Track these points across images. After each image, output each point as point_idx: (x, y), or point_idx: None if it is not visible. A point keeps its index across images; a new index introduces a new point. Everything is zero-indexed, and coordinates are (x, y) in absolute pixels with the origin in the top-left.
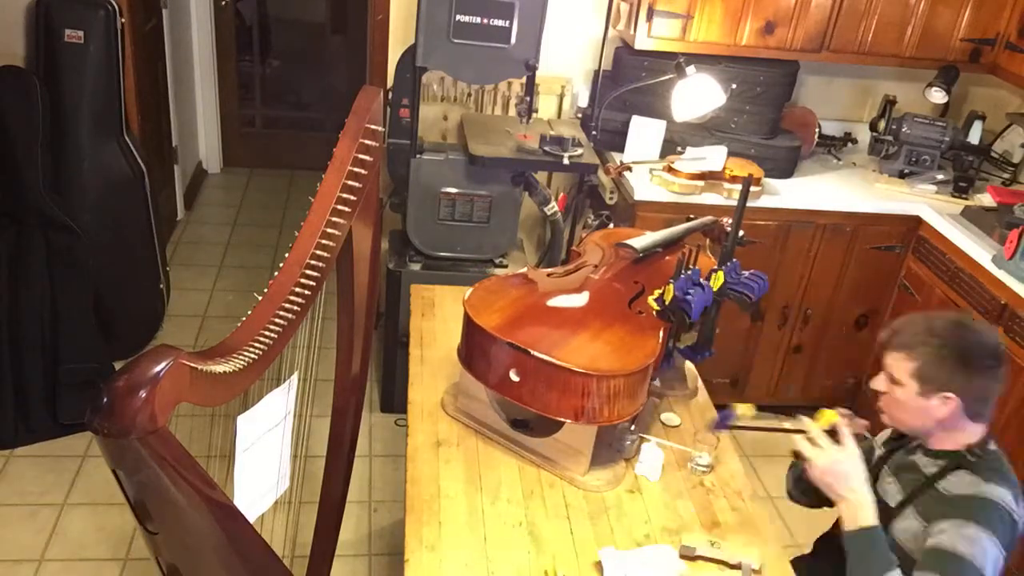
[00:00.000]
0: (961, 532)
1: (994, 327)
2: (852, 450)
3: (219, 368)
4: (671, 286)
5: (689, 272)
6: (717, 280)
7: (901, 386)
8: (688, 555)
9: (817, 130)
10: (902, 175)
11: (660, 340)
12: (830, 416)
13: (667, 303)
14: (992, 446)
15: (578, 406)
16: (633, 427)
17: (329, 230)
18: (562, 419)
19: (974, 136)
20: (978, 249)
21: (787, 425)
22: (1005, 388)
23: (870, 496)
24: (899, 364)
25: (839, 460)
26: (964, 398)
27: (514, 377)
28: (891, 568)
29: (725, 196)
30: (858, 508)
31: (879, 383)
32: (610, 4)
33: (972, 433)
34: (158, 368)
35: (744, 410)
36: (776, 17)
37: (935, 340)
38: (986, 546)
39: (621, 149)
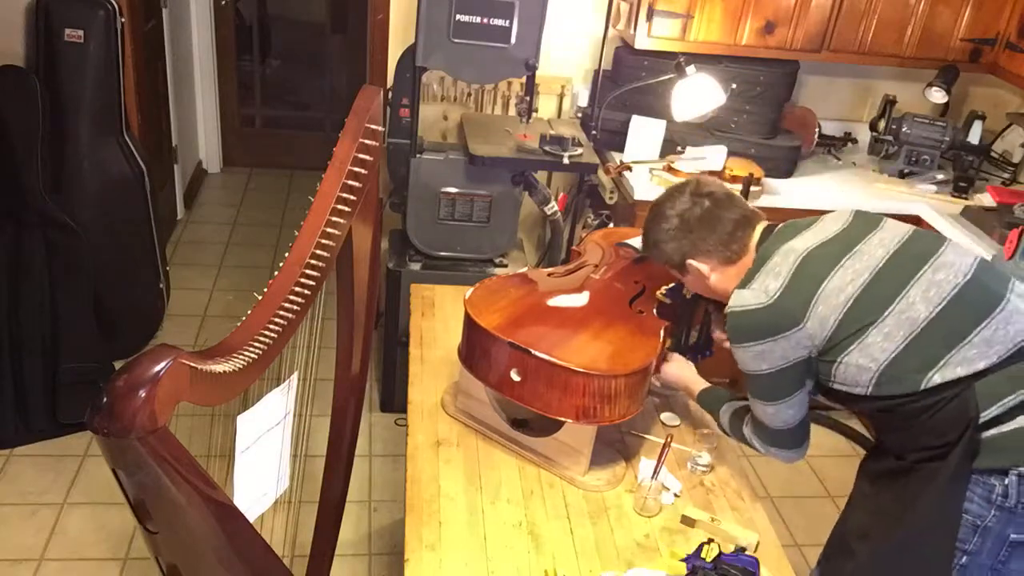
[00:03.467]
0: (735, 354)
1: (691, 179)
2: (680, 361)
3: (219, 368)
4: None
5: None
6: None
7: (683, 282)
8: (688, 524)
9: (817, 130)
10: (902, 175)
11: (661, 340)
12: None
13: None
14: (761, 251)
15: (579, 406)
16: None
17: (329, 230)
18: (563, 419)
19: (974, 136)
20: (978, 249)
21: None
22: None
23: (688, 377)
24: (665, 268)
25: (672, 372)
26: (703, 256)
27: (515, 377)
28: (723, 402)
29: None
30: (687, 388)
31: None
32: (610, 4)
33: (745, 266)
34: (158, 368)
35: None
36: (776, 17)
37: (648, 238)
38: (745, 356)
39: (621, 149)
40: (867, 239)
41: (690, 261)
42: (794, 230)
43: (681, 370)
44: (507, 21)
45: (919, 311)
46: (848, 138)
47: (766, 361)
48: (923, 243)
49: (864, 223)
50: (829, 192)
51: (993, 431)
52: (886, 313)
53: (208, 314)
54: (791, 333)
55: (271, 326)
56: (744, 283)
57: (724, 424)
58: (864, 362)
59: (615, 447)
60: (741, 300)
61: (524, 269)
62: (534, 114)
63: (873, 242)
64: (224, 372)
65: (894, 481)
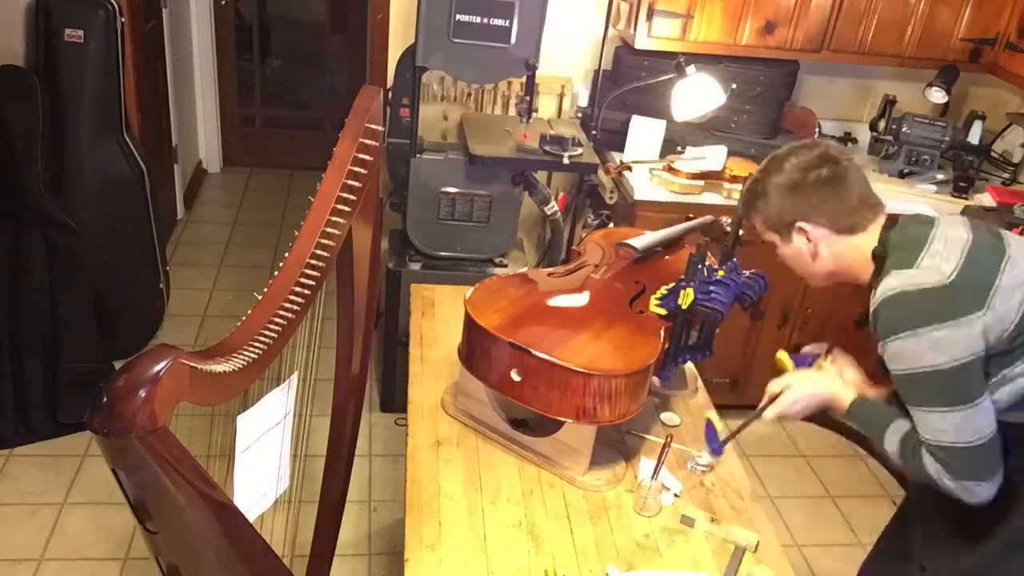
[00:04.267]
0: (887, 352)
1: (824, 141)
2: (797, 377)
3: (219, 368)
4: (690, 290)
5: (704, 269)
6: (686, 297)
7: (776, 245)
8: (688, 524)
9: (817, 130)
10: (902, 175)
11: (661, 339)
12: (782, 359)
13: (685, 308)
14: (904, 235)
15: (579, 406)
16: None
17: (329, 230)
18: (563, 419)
19: (974, 136)
20: None
21: (762, 404)
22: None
23: (833, 386)
24: (759, 228)
25: (794, 397)
26: (816, 220)
27: (515, 377)
28: (892, 421)
29: (725, 196)
30: (833, 403)
31: (778, 254)
32: (610, 4)
33: (868, 245)
34: (158, 367)
35: (718, 423)
36: (776, 17)
37: (756, 186)
38: (909, 349)
39: (621, 149)
40: (1008, 244)
41: (801, 223)
42: (926, 223)
43: (811, 386)
44: (507, 21)
45: None
46: (848, 138)
47: (946, 352)
48: None
49: (984, 228)
50: None
51: None
52: None
53: (208, 314)
54: (975, 317)
55: (271, 326)
56: (901, 263)
57: (893, 451)
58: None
59: (615, 447)
60: (909, 279)
61: (524, 269)
62: (534, 114)
63: (1015, 249)
64: (224, 372)
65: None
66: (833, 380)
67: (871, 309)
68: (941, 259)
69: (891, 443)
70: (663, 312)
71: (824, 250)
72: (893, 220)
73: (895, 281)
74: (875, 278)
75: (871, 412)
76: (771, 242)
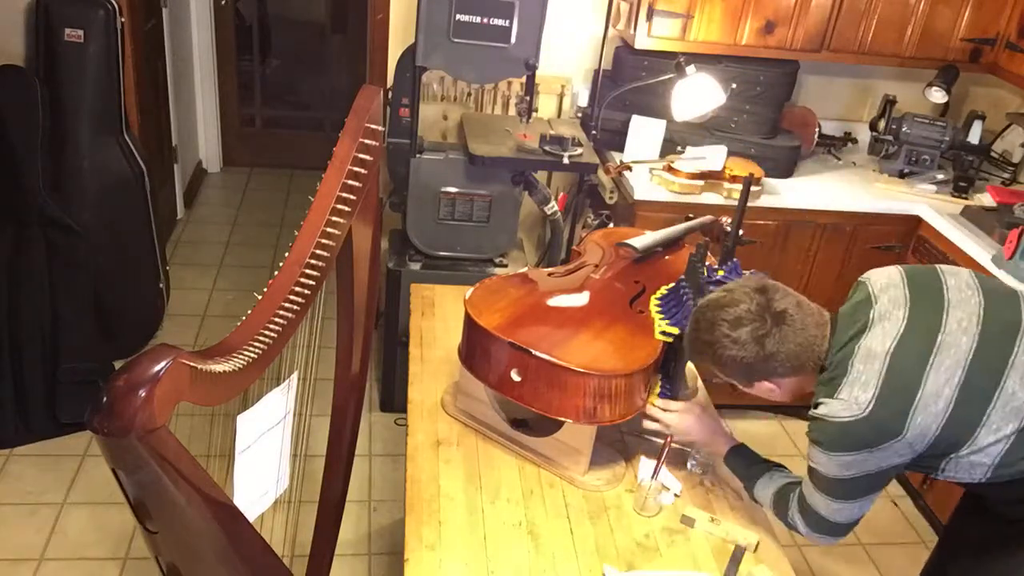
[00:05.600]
0: (809, 454)
1: (749, 290)
2: (680, 413)
3: (219, 367)
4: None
5: (704, 268)
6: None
7: (736, 386)
8: (688, 524)
9: (817, 130)
10: (902, 175)
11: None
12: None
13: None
14: (836, 354)
15: (580, 406)
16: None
17: (329, 229)
18: (563, 419)
19: (974, 136)
20: (978, 249)
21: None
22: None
23: (716, 431)
24: (717, 374)
25: (676, 429)
26: (781, 374)
27: (515, 377)
28: (762, 474)
29: (725, 196)
30: (712, 445)
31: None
32: (610, 4)
33: (816, 365)
34: (158, 367)
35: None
36: (776, 17)
37: (708, 351)
38: (821, 461)
39: (621, 148)
40: (944, 324)
41: (766, 382)
42: (855, 320)
43: (693, 423)
44: (507, 21)
45: (1021, 399)
46: (848, 138)
47: (854, 469)
48: (1001, 314)
49: (928, 297)
50: (829, 192)
51: None
52: (988, 411)
53: (208, 314)
54: (889, 444)
55: (271, 326)
56: (828, 391)
57: (762, 500)
58: (977, 459)
59: (615, 447)
60: (831, 411)
61: (524, 269)
62: (534, 114)
63: (952, 327)
64: (224, 372)
65: (1007, 549)
66: (710, 430)
67: (810, 415)
68: (859, 388)
69: (762, 495)
70: (670, 340)
71: (788, 385)
72: (832, 322)
73: (822, 409)
74: (814, 391)
75: (745, 463)
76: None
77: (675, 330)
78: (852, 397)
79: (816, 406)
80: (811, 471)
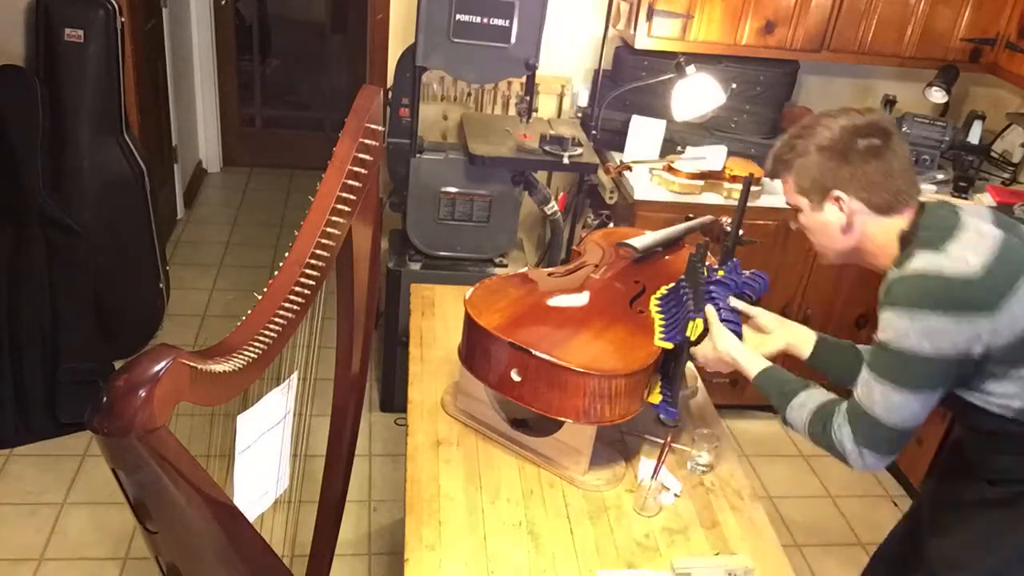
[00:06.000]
0: (881, 319)
1: (877, 109)
2: (717, 335)
3: (219, 367)
4: (699, 322)
5: (704, 268)
6: (695, 329)
7: (801, 211)
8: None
9: None
10: None
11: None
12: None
13: (694, 340)
14: (928, 213)
15: (580, 406)
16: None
17: (329, 229)
18: (564, 419)
19: (974, 136)
20: None
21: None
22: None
23: (745, 355)
24: (785, 189)
25: (710, 351)
26: (854, 191)
27: (515, 377)
28: (797, 393)
29: (725, 196)
30: (743, 369)
31: (792, 221)
32: (610, 4)
33: (899, 225)
34: (158, 367)
35: (652, 398)
36: (776, 17)
37: (800, 144)
38: (901, 325)
39: (621, 148)
40: None
41: (839, 192)
42: (955, 211)
43: (730, 346)
44: (507, 21)
45: None
46: None
47: (931, 341)
48: None
49: (1011, 224)
50: None
51: None
52: None
53: (208, 314)
54: (979, 317)
55: (271, 326)
56: (930, 247)
57: (796, 421)
58: None
59: (615, 447)
60: (934, 263)
61: (524, 269)
62: (534, 114)
63: None
64: (224, 372)
65: (990, 510)
66: (740, 353)
67: (887, 280)
68: (971, 250)
69: (796, 415)
70: (669, 346)
71: (856, 225)
72: (922, 205)
73: (919, 263)
74: (897, 260)
75: (777, 383)
76: (794, 207)
77: (670, 345)
78: (963, 255)
79: (901, 265)
80: (877, 353)
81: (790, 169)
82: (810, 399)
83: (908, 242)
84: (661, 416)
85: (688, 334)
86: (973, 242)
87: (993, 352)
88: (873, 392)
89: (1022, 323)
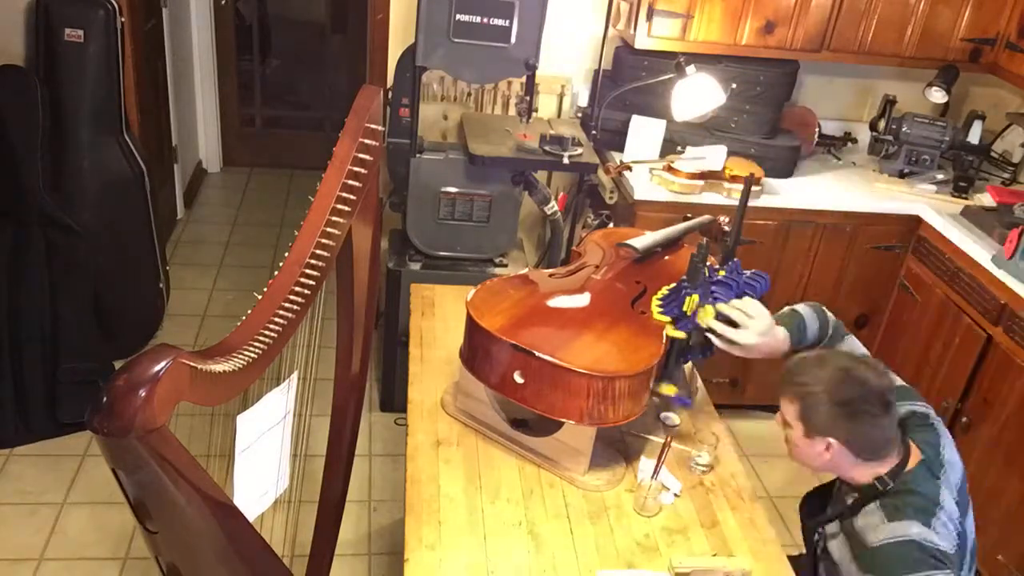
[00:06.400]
0: (876, 561)
1: (885, 371)
2: (754, 315)
3: (219, 367)
4: (695, 295)
5: (705, 268)
6: (692, 304)
7: (791, 428)
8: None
9: (817, 130)
10: (902, 175)
11: (664, 340)
12: (708, 310)
13: (691, 313)
14: (912, 466)
15: (583, 407)
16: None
17: (329, 229)
18: (567, 420)
19: (974, 136)
20: (978, 249)
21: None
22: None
23: (778, 333)
24: (786, 405)
25: (749, 338)
26: (847, 444)
27: (518, 379)
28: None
29: (725, 196)
30: (778, 346)
31: (777, 422)
32: (610, 4)
33: (877, 468)
34: (158, 367)
35: (666, 390)
36: (776, 17)
37: (818, 387)
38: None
39: (621, 148)
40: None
41: (831, 440)
42: (937, 482)
43: (758, 332)
44: (507, 21)
45: None
46: (848, 138)
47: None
48: None
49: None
50: (829, 192)
51: None
52: None
53: (208, 314)
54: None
55: (271, 326)
56: (917, 516)
57: None
58: None
59: (615, 447)
60: (928, 535)
61: (525, 269)
62: (534, 114)
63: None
64: (224, 372)
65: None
66: (773, 334)
67: (876, 543)
68: (946, 532)
69: None
70: (667, 320)
71: (837, 460)
72: (907, 453)
73: (915, 529)
74: (871, 494)
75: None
76: (786, 421)
77: (682, 335)
78: (948, 533)
79: (886, 520)
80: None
81: (801, 400)
82: None
83: (883, 484)
84: (674, 407)
85: (685, 309)
86: (946, 520)
87: None
88: None
89: None
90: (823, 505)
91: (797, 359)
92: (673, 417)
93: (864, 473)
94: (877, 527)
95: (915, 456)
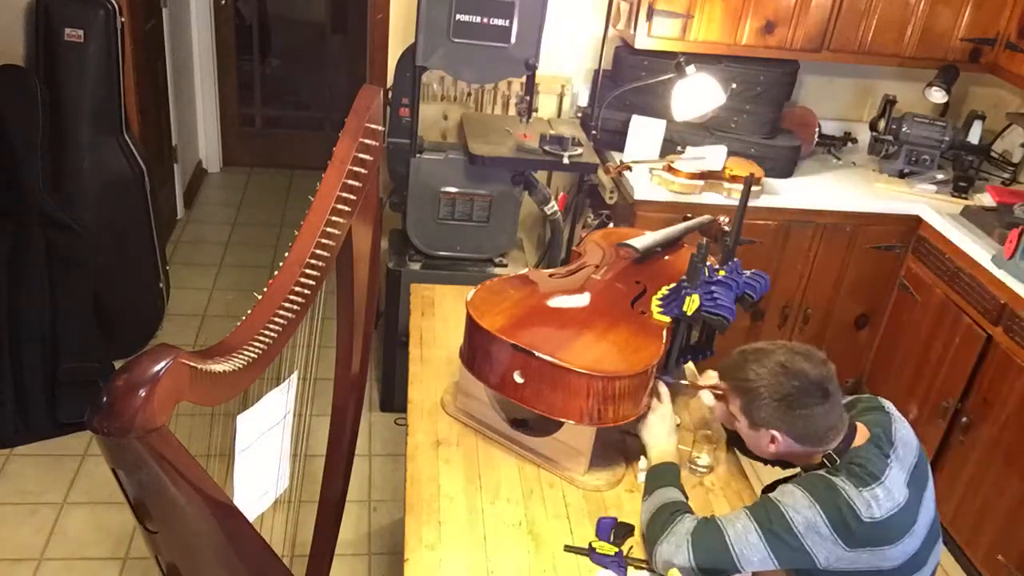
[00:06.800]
0: (783, 488)
1: (823, 360)
2: (660, 408)
3: (219, 367)
4: (696, 296)
5: (705, 269)
6: (692, 304)
7: (736, 419)
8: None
9: (817, 130)
10: (902, 175)
11: (664, 340)
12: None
13: (690, 314)
14: (859, 443)
15: (583, 407)
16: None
17: (329, 229)
18: (567, 420)
19: (974, 136)
20: (978, 249)
21: None
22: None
23: (665, 448)
24: (730, 398)
25: (647, 416)
26: (789, 434)
27: (518, 379)
28: (662, 486)
29: (725, 195)
30: (652, 454)
31: (720, 412)
32: (610, 3)
33: (822, 451)
34: (158, 367)
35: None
36: (776, 17)
37: (758, 381)
38: (799, 500)
39: (621, 148)
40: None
41: (775, 433)
42: (886, 456)
43: (660, 429)
44: (507, 21)
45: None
46: (848, 138)
47: (809, 531)
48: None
49: (924, 486)
50: (829, 192)
51: None
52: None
53: (208, 314)
54: (847, 550)
55: (271, 326)
56: (851, 477)
57: (649, 506)
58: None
59: (615, 447)
60: (851, 492)
61: (525, 270)
62: (534, 114)
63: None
64: (224, 371)
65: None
66: (666, 442)
67: (809, 473)
68: (877, 504)
69: (656, 498)
70: (667, 320)
71: (784, 447)
72: (852, 430)
73: (840, 483)
74: (817, 467)
75: (655, 476)
76: (732, 414)
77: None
78: (875, 502)
79: (831, 472)
80: (767, 500)
81: (743, 396)
82: (671, 493)
83: (831, 460)
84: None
85: (684, 309)
86: (881, 497)
87: (831, 571)
88: (737, 524)
89: (860, 566)
90: None
91: (737, 353)
92: (673, 418)
93: (813, 456)
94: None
95: (862, 434)
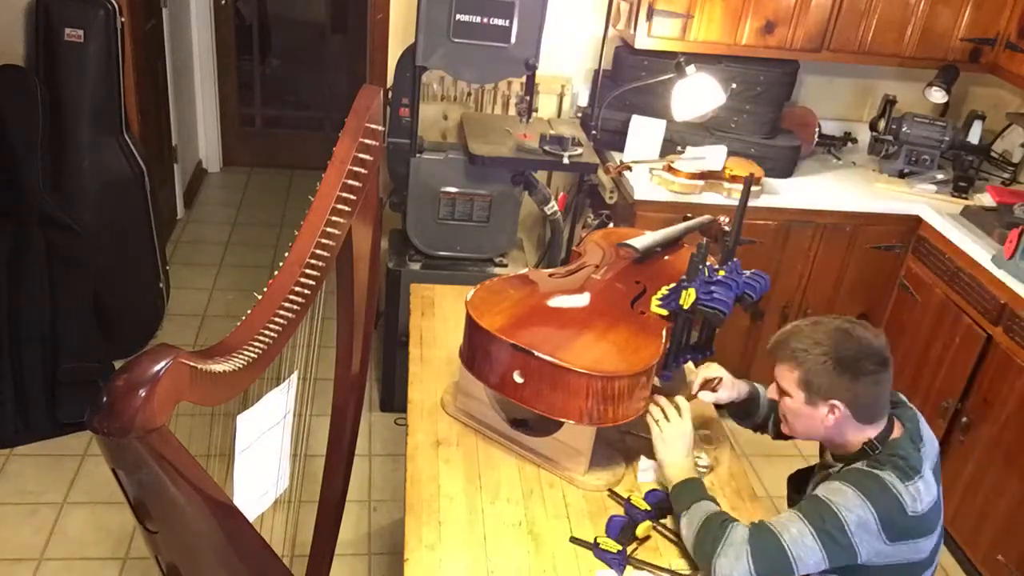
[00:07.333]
0: (830, 486)
1: (880, 332)
2: (681, 425)
3: (219, 367)
4: (692, 290)
5: (705, 268)
6: (688, 297)
7: (789, 396)
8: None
9: (817, 130)
10: (902, 175)
11: (664, 340)
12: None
13: (687, 308)
14: (896, 436)
15: (582, 407)
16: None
17: (329, 229)
18: (567, 420)
19: (974, 136)
20: (978, 249)
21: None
22: (891, 386)
23: (685, 464)
24: (785, 374)
25: (666, 432)
26: (850, 404)
27: (518, 379)
28: (696, 501)
29: (725, 195)
30: (671, 471)
31: (771, 392)
32: (610, 3)
33: (869, 433)
34: (158, 367)
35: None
36: (776, 17)
37: (817, 348)
38: (851, 499)
39: (621, 148)
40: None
41: (836, 402)
42: (919, 451)
43: (680, 438)
44: (507, 21)
45: None
46: (848, 138)
47: (859, 528)
48: None
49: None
50: (829, 192)
51: None
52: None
53: (208, 314)
54: (886, 544)
55: (271, 326)
56: (896, 471)
57: (691, 521)
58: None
59: (615, 447)
60: (898, 486)
61: (524, 269)
62: (534, 114)
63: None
64: (224, 371)
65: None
66: (684, 460)
67: (853, 468)
68: (919, 498)
69: (695, 513)
70: (664, 313)
71: (837, 425)
72: (891, 421)
73: (888, 477)
74: (858, 458)
75: (685, 490)
76: (784, 391)
77: (664, 311)
78: (919, 496)
79: (875, 467)
80: (817, 501)
81: (801, 365)
82: (710, 505)
83: (873, 448)
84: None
85: (681, 303)
86: (925, 490)
87: (867, 566)
88: (791, 527)
89: (894, 560)
90: (808, 480)
91: (790, 326)
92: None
93: (858, 438)
94: (861, 465)
95: (898, 428)
